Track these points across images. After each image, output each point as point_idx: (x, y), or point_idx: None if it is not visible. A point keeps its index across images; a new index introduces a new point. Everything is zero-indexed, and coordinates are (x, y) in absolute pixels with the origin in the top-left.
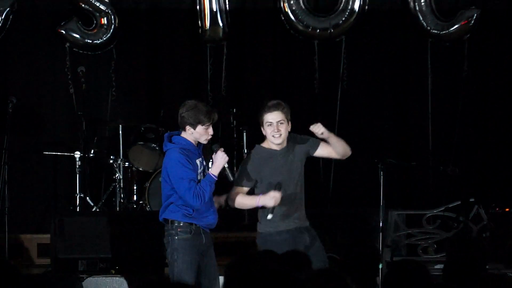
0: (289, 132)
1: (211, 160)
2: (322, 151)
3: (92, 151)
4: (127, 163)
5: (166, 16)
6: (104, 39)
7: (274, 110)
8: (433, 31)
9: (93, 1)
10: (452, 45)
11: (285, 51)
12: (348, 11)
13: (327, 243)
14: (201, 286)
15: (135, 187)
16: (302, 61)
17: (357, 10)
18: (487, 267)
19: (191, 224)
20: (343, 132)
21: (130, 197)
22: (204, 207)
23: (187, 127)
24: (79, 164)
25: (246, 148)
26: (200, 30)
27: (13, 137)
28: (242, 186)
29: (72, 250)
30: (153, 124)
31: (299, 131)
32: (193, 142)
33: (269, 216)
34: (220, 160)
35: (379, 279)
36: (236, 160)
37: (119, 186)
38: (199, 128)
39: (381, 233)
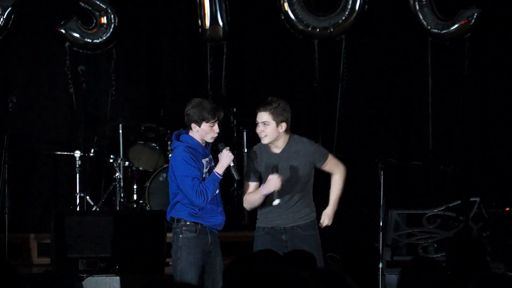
0: (295, 135)
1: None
2: (325, 169)
3: (92, 151)
4: (127, 163)
5: (166, 15)
6: (104, 38)
7: (261, 110)
8: (433, 30)
9: (93, 0)
10: (452, 45)
11: (285, 50)
12: (348, 10)
13: (327, 242)
14: (205, 285)
15: (135, 187)
16: (302, 60)
17: (357, 9)
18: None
19: (197, 223)
20: (343, 131)
21: (130, 197)
22: (210, 206)
23: (193, 125)
24: (79, 163)
25: (246, 148)
26: (200, 30)
27: (13, 136)
28: (249, 181)
29: (72, 250)
30: (153, 124)
31: (299, 130)
32: (200, 141)
33: (276, 202)
34: (225, 158)
35: (380, 278)
36: (236, 160)
37: (119, 185)
38: (204, 125)
39: (381, 233)
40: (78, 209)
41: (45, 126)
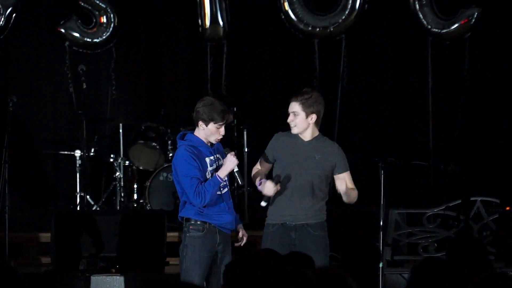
0: (327, 138)
1: None
2: (337, 180)
3: (92, 150)
4: (127, 162)
5: (166, 15)
6: (104, 37)
7: (293, 100)
8: (434, 29)
9: (92, 0)
10: (453, 44)
11: (285, 49)
12: (348, 9)
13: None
14: (209, 285)
15: (135, 186)
16: (302, 59)
17: (357, 8)
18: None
19: (205, 222)
20: (343, 131)
21: (130, 196)
22: (217, 205)
23: (200, 123)
24: (80, 162)
25: (247, 147)
26: (200, 29)
27: (14, 136)
28: (264, 161)
29: (73, 249)
30: (153, 123)
31: None
32: (204, 140)
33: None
34: (229, 163)
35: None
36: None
37: (120, 185)
38: (211, 125)
39: (381, 232)
40: (78, 208)
41: (45, 125)
